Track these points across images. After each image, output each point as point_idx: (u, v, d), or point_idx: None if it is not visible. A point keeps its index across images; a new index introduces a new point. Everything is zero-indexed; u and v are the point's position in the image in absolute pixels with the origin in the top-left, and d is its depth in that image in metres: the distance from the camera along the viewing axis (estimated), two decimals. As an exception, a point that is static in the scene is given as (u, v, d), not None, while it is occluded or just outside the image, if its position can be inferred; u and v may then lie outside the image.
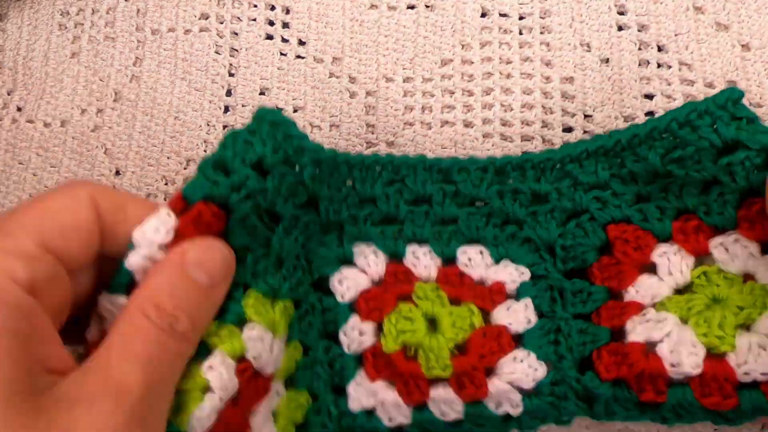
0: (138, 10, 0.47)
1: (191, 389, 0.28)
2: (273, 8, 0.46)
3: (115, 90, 0.46)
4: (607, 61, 0.43)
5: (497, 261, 0.36)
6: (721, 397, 0.31)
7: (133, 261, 0.28)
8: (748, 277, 0.33)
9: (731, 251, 0.33)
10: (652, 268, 0.34)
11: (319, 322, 0.35)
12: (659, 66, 0.43)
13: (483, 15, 0.45)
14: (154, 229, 0.29)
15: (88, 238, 0.28)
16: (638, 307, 0.33)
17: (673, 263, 0.33)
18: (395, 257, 0.36)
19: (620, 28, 0.44)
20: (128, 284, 0.29)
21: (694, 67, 0.43)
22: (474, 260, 0.36)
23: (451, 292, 0.35)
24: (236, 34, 0.46)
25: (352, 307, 0.35)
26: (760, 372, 0.30)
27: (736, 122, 0.32)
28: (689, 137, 0.33)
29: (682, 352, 0.31)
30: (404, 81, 0.44)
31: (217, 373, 0.28)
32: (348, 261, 0.36)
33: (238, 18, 0.46)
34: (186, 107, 0.45)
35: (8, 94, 0.47)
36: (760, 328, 0.31)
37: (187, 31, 0.46)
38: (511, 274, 0.35)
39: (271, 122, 0.31)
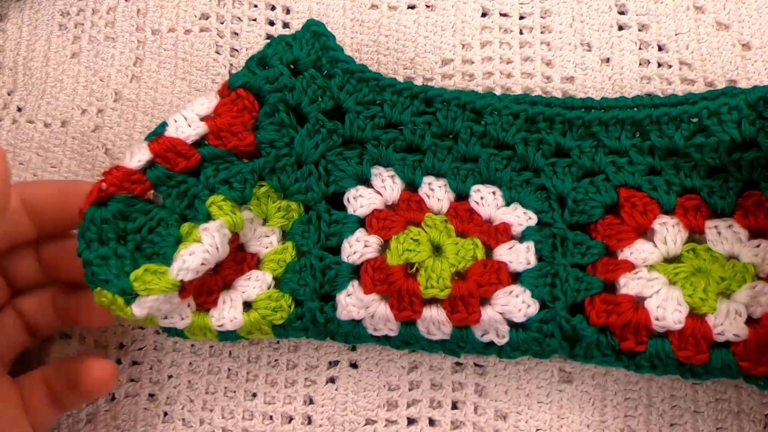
0: (138, 10, 0.47)
1: (186, 241, 0.34)
2: (273, 8, 0.46)
3: (115, 90, 0.46)
4: (608, 60, 0.43)
5: (508, 203, 0.38)
6: (694, 352, 0.34)
7: (171, 122, 0.36)
8: (731, 258, 0.36)
9: (723, 234, 0.36)
10: (649, 235, 0.36)
11: (321, 231, 0.37)
12: (660, 65, 0.43)
13: (483, 15, 0.45)
14: (200, 104, 0.37)
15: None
16: (630, 266, 0.36)
17: (669, 233, 0.36)
18: (411, 186, 0.38)
19: (621, 28, 0.44)
20: (159, 133, 0.36)
21: (694, 66, 0.43)
22: (486, 199, 0.38)
23: (459, 226, 0.37)
24: (236, 34, 0.46)
25: (362, 222, 0.37)
26: (732, 333, 0.34)
27: (761, 122, 0.35)
28: (714, 128, 0.36)
29: (668, 308, 0.34)
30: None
31: (210, 234, 0.34)
32: (365, 180, 0.38)
33: (239, 18, 0.46)
34: (186, 107, 0.45)
35: (8, 95, 0.47)
36: (739, 298, 0.34)
37: (187, 31, 0.46)
38: (519, 217, 0.37)
39: (313, 32, 0.38)
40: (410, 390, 0.40)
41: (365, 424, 0.40)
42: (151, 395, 0.41)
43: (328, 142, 0.38)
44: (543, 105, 0.38)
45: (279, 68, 0.37)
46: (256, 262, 0.37)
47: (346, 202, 0.38)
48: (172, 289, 0.34)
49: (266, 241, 0.37)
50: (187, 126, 0.36)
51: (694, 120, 0.36)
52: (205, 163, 0.36)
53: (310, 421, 0.40)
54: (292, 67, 0.38)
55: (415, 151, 0.38)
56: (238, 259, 0.37)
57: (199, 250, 0.34)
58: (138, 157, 0.35)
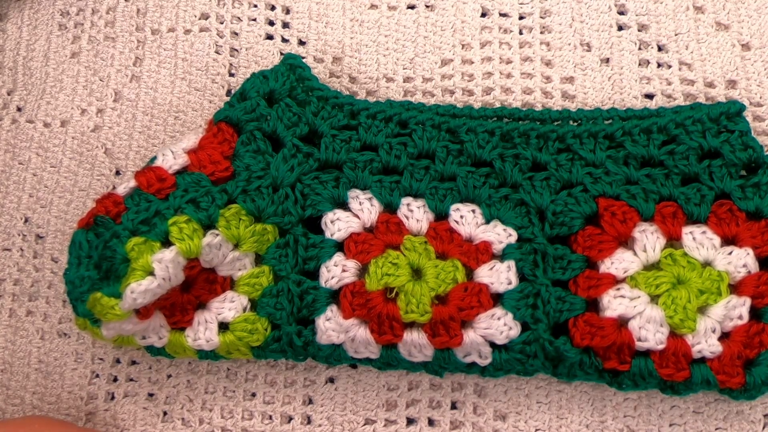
0: (138, 10, 0.47)
1: (138, 267, 0.34)
2: (273, 8, 0.46)
3: (115, 90, 0.46)
4: (608, 60, 0.43)
5: (488, 221, 0.37)
6: (675, 370, 0.35)
7: (160, 155, 0.38)
8: (706, 264, 0.36)
9: (698, 240, 0.36)
10: (629, 244, 0.37)
11: (298, 255, 0.37)
12: (659, 66, 0.43)
13: (483, 15, 0.45)
14: (188, 139, 0.39)
15: None
16: (612, 280, 0.36)
17: (649, 240, 0.36)
18: (389, 207, 0.38)
19: (620, 28, 0.44)
20: (148, 165, 0.37)
21: (694, 66, 0.43)
22: (466, 218, 0.37)
23: (439, 247, 0.37)
24: (236, 34, 0.46)
25: (339, 246, 0.37)
26: (709, 351, 0.35)
27: (725, 134, 0.38)
28: (682, 137, 0.38)
29: (650, 329, 0.35)
30: (404, 81, 0.44)
31: (164, 266, 0.34)
32: (342, 204, 0.38)
33: (238, 18, 0.46)
34: (186, 107, 0.45)
35: (8, 94, 0.47)
36: (714, 314, 0.35)
37: (187, 31, 0.46)
38: (499, 235, 0.37)
39: (289, 65, 0.40)
40: (409, 390, 0.40)
41: (364, 424, 0.40)
42: (151, 395, 0.41)
43: (304, 165, 0.38)
44: (518, 119, 0.39)
45: (256, 99, 0.39)
46: (229, 283, 0.37)
47: (323, 227, 0.37)
48: (125, 316, 0.34)
49: (239, 264, 0.37)
50: (172, 158, 0.37)
51: (662, 131, 0.38)
52: (177, 185, 0.37)
53: (309, 421, 0.40)
54: (268, 98, 0.39)
55: (391, 172, 0.39)
56: (210, 279, 0.37)
57: (151, 285, 0.34)
58: (125, 185, 0.37)
